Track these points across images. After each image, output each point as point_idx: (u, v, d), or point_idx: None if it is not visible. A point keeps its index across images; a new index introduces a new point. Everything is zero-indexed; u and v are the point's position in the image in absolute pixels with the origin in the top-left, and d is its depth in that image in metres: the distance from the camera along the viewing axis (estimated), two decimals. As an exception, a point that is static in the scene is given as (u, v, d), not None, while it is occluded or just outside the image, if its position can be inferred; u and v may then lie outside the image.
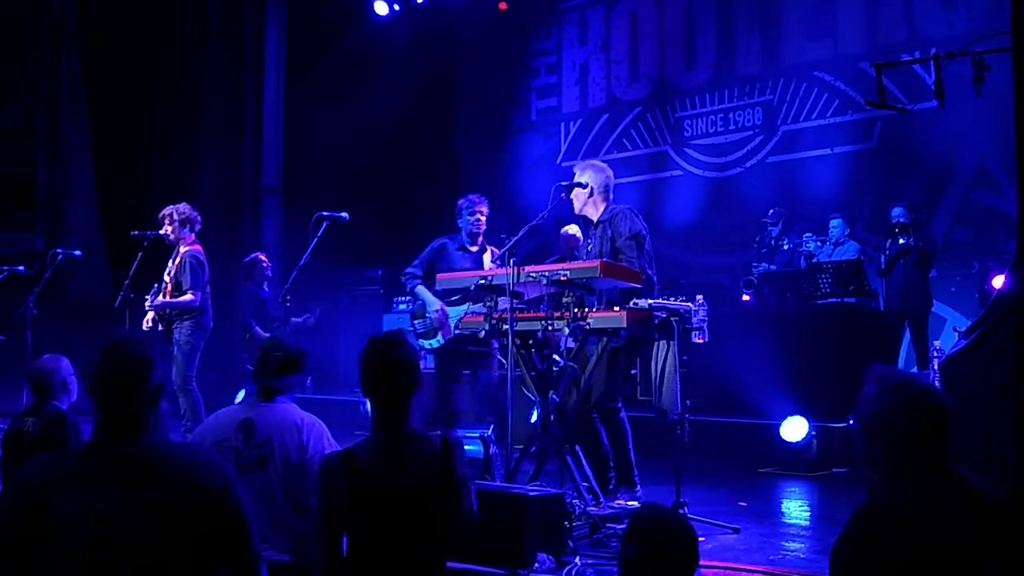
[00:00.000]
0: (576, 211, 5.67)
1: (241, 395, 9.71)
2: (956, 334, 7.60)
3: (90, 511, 2.38)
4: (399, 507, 2.87)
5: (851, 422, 2.52)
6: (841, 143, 10.32)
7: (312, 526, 3.35)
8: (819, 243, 9.20)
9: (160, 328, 7.19)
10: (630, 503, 5.13)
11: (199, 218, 7.41)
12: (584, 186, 5.51)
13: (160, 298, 7.11)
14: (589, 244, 5.64)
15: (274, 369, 3.87)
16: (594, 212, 5.60)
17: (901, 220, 8.52)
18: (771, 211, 9.63)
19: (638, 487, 5.34)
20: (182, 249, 7.24)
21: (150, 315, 7.18)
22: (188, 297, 7.07)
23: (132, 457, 2.47)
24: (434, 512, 2.89)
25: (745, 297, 9.23)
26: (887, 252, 8.61)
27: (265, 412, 3.80)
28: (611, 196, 5.64)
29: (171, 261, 7.29)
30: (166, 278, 7.22)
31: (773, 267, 9.34)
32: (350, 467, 2.92)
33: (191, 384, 7.18)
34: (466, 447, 5.39)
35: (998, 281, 6.83)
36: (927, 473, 2.27)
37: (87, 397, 2.61)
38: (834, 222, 9.14)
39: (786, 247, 9.42)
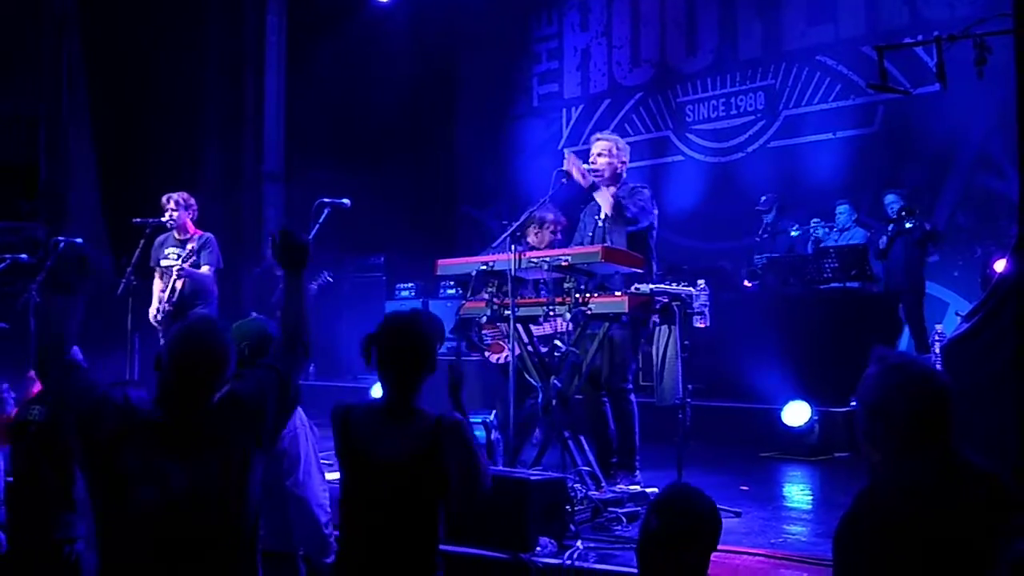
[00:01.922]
0: (597, 179, 5.47)
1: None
2: (958, 318, 7.60)
3: (154, 473, 2.53)
4: (380, 467, 2.89)
5: (854, 403, 2.54)
6: (843, 127, 10.31)
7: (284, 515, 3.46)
8: (827, 229, 9.19)
9: (160, 322, 7.16)
10: (630, 487, 5.14)
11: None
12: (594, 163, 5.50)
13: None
14: (600, 219, 5.53)
15: (247, 356, 3.89)
16: (612, 183, 5.53)
17: (898, 205, 8.56)
18: (763, 198, 9.63)
19: (638, 471, 5.34)
20: (193, 232, 7.32)
21: (156, 304, 7.18)
22: (207, 270, 7.15)
23: (196, 427, 2.62)
24: (416, 483, 2.88)
25: (747, 283, 9.23)
26: (889, 234, 8.65)
27: None
28: (625, 171, 5.63)
29: (173, 247, 7.29)
30: (173, 260, 7.24)
31: (775, 255, 9.30)
32: (345, 417, 3.01)
33: None
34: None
35: (1000, 265, 6.82)
36: (928, 454, 2.27)
37: (156, 369, 2.71)
38: (841, 208, 9.14)
39: (795, 233, 9.37)
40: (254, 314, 4.10)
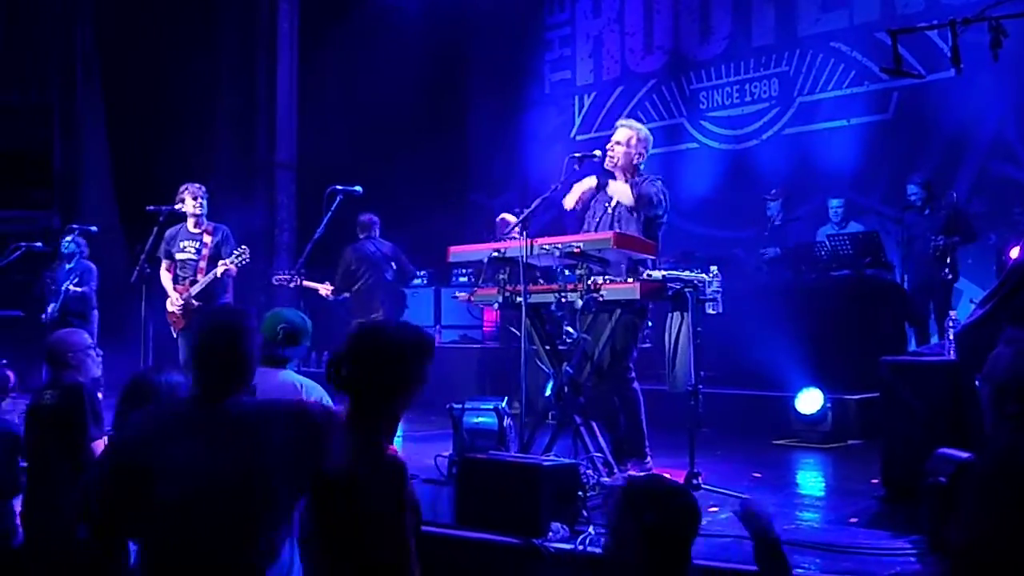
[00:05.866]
0: (611, 166, 5.52)
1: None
2: (972, 305, 7.56)
3: (189, 463, 2.57)
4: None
5: (977, 383, 2.69)
6: (858, 114, 10.25)
7: None
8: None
9: (181, 313, 7.17)
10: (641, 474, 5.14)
11: None
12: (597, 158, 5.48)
13: (204, 273, 7.15)
14: (610, 206, 5.50)
15: (281, 339, 4.16)
16: (627, 172, 5.51)
17: (919, 195, 8.54)
18: (772, 191, 9.61)
19: (648, 458, 5.34)
20: (207, 223, 7.33)
21: (178, 298, 7.17)
22: (232, 266, 7.16)
23: (227, 415, 2.66)
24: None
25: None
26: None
27: (268, 376, 3.91)
28: (643, 162, 5.60)
29: (188, 239, 7.29)
30: (191, 253, 7.24)
31: (786, 248, 9.22)
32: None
33: None
34: (480, 418, 5.44)
35: (1015, 252, 6.79)
36: None
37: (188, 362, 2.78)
38: (834, 202, 9.08)
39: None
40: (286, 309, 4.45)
